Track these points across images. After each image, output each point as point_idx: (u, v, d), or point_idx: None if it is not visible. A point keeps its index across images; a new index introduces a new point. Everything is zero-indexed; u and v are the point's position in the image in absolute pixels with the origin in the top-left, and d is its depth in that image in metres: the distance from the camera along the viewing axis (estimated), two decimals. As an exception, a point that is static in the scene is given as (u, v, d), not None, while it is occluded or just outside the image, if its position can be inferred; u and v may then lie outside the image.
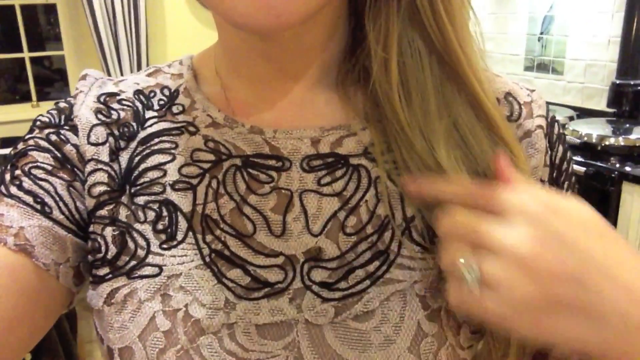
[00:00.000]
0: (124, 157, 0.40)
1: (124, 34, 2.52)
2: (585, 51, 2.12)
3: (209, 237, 0.37)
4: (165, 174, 0.39)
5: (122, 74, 2.54)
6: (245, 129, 0.39)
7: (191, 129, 0.40)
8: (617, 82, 1.93)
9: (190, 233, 0.37)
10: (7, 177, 0.39)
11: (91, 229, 0.39)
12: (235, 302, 0.36)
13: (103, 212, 0.38)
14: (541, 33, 2.33)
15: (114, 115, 0.41)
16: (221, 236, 0.37)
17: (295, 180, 0.38)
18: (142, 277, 0.37)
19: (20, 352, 0.37)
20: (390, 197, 0.37)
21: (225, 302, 0.36)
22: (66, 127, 0.41)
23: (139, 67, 2.59)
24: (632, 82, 1.90)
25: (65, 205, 0.38)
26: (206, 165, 0.39)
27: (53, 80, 2.94)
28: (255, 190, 0.38)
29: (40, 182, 0.38)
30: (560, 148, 0.42)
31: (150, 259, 0.37)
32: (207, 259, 0.37)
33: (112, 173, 0.39)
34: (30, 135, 0.40)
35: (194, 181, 0.38)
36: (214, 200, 0.38)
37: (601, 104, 2.06)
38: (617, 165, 1.54)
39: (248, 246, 0.37)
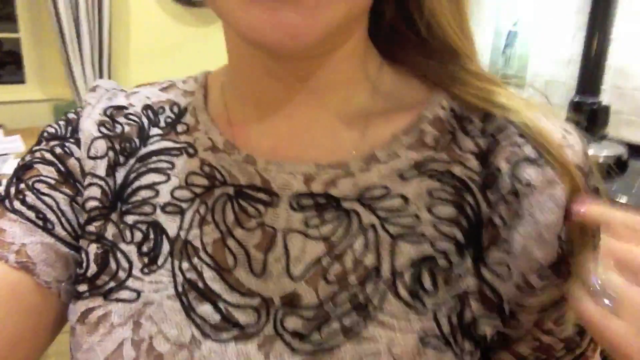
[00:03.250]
0: (120, 173, 0.39)
1: (86, 20, 2.44)
2: (547, 68, 2.19)
3: (185, 265, 0.35)
4: (157, 195, 0.38)
5: (82, 61, 2.46)
6: (241, 157, 0.37)
7: (190, 150, 0.39)
8: (576, 99, 1.99)
9: (170, 259, 0.36)
10: (12, 190, 0.38)
11: (80, 243, 0.38)
12: (201, 341, 0.33)
13: (91, 227, 0.37)
14: (505, 47, 2.39)
15: (118, 129, 0.41)
16: (198, 265, 0.35)
17: (281, 218, 0.35)
18: (118, 300, 0.35)
19: None
20: (381, 247, 0.34)
21: (191, 339, 0.33)
22: (71, 140, 0.40)
23: (101, 55, 2.52)
24: (590, 101, 1.97)
25: (68, 221, 0.38)
26: (199, 190, 0.37)
27: (4, 63, 2.81)
28: (242, 224, 0.36)
29: (43, 197, 0.37)
30: None
31: (130, 282, 0.36)
32: (180, 289, 0.35)
33: (106, 188, 0.38)
34: (37, 147, 0.40)
35: (185, 205, 0.37)
36: (198, 227, 0.36)
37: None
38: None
39: (224, 281, 0.35)
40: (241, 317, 0.34)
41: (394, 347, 0.32)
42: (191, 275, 0.35)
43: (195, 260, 0.35)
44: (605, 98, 2.00)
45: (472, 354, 0.34)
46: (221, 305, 0.34)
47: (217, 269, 0.35)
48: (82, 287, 0.36)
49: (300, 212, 0.35)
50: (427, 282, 0.34)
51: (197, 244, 0.36)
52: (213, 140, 0.39)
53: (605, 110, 1.97)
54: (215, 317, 0.34)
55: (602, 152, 1.76)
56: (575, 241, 0.34)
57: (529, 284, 0.35)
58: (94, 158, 0.39)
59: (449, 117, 0.37)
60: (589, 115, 1.95)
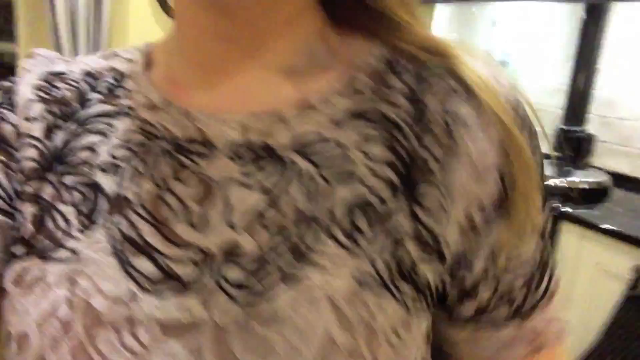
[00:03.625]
0: (58, 136, 0.39)
1: (85, 36, 2.47)
2: (534, 96, 2.23)
3: (121, 220, 0.35)
4: (96, 155, 0.38)
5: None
6: (177, 112, 0.37)
7: (130, 112, 0.39)
8: (563, 128, 2.03)
9: (108, 216, 0.35)
10: None
11: (17, 205, 0.37)
12: (139, 295, 0.33)
13: (27, 187, 0.37)
14: (495, 76, 2.44)
15: (55, 93, 0.41)
16: (134, 219, 0.35)
17: (219, 169, 0.35)
18: (55, 260, 0.35)
19: None
20: (317, 192, 0.34)
21: (129, 294, 0.33)
22: (6, 106, 0.40)
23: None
24: (575, 130, 2.00)
25: (2, 188, 0.37)
26: (136, 148, 0.37)
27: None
28: (179, 176, 0.35)
29: None
30: None
31: (68, 242, 0.35)
32: (116, 244, 0.34)
33: (43, 150, 0.38)
34: None
35: (123, 164, 0.37)
36: (135, 181, 0.36)
37: (546, 149, 2.15)
38: (558, 205, 1.62)
39: (161, 234, 0.34)
40: (180, 269, 0.33)
41: (330, 289, 0.32)
42: (127, 230, 0.35)
43: (131, 214, 0.35)
44: (591, 127, 2.04)
45: (415, 300, 0.34)
46: (158, 258, 0.34)
47: (154, 223, 0.35)
48: (18, 249, 0.36)
49: (237, 162, 0.35)
50: (360, 222, 0.34)
51: (133, 197, 0.35)
52: (151, 99, 0.39)
53: (590, 139, 2.01)
54: (153, 271, 0.33)
55: (586, 179, 1.79)
56: (519, 172, 0.35)
57: (472, 222, 0.35)
58: (30, 120, 0.39)
59: (380, 65, 0.38)
60: (575, 144, 1.99)
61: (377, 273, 0.33)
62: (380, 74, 0.37)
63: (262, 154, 0.35)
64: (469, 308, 0.39)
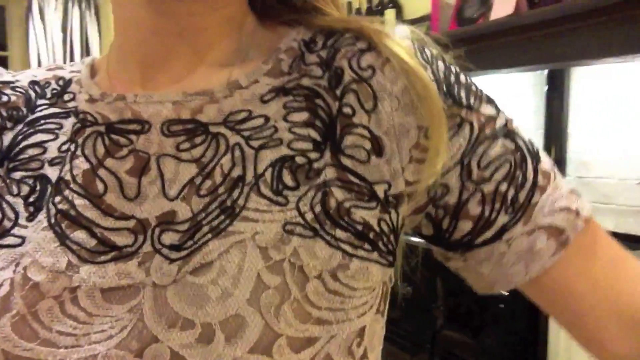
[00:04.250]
0: (7, 136, 0.41)
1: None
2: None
3: (58, 198, 0.37)
4: (45, 151, 0.40)
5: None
6: (112, 98, 0.40)
7: (88, 117, 0.41)
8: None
9: (49, 199, 0.37)
10: None
11: None
12: (78, 265, 0.34)
13: None
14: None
15: (4, 99, 0.43)
16: (69, 196, 0.37)
17: (154, 144, 0.37)
18: (2, 246, 0.36)
19: None
20: (246, 159, 0.37)
21: (68, 265, 0.34)
22: None
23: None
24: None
25: None
26: (75, 137, 0.39)
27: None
28: (113, 154, 0.38)
29: None
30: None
31: (16, 230, 0.37)
32: (52, 220, 0.36)
33: None
34: None
35: (64, 154, 0.39)
36: (69, 162, 0.38)
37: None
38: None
39: (97, 207, 0.36)
40: (117, 239, 0.35)
41: (257, 235, 0.34)
42: (63, 205, 0.36)
43: (67, 192, 0.37)
44: (570, 188, 2.10)
45: (353, 245, 0.36)
46: (96, 230, 0.35)
47: (88, 197, 0.36)
48: None
49: (171, 137, 0.37)
50: (287, 178, 0.36)
51: (68, 177, 0.38)
52: (91, 94, 0.41)
53: (572, 199, 2.06)
54: (91, 242, 0.35)
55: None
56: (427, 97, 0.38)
57: (421, 148, 0.38)
58: None
59: (300, 45, 0.42)
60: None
61: (307, 222, 0.35)
62: (301, 53, 0.41)
63: (194, 130, 0.38)
64: (464, 228, 0.40)
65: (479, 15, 2.01)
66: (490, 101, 0.41)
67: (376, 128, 0.38)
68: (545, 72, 2.12)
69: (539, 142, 2.16)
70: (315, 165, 0.37)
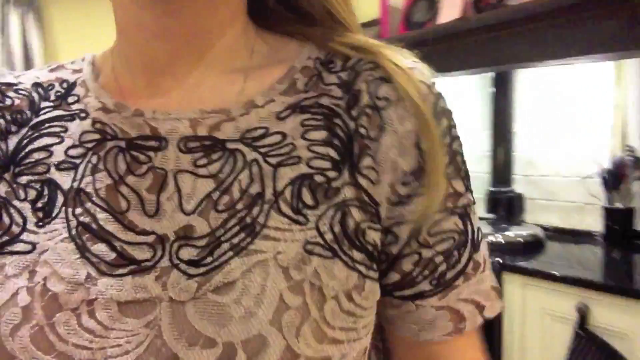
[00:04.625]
0: (12, 140, 0.41)
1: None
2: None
3: (78, 210, 0.37)
4: (51, 155, 0.39)
5: None
6: (130, 112, 0.40)
7: (82, 114, 0.41)
8: (492, 190, 2.15)
9: (64, 208, 0.37)
10: None
11: None
12: (97, 278, 0.34)
13: None
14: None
15: (8, 102, 0.43)
16: (91, 209, 0.37)
17: (171, 160, 0.37)
18: (12, 253, 0.36)
19: None
20: (264, 176, 0.37)
21: (87, 277, 0.34)
22: None
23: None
24: (504, 190, 2.13)
25: None
26: (91, 145, 0.39)
27: None
28: (134, 171, 0.38)
29: None
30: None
31: (25, 236, 0.36)
32: (73, 232, 0.36)
33: (0, 152, 0.40)
34: None
35: (78, 160, 0.39)
36: (91, 174, 0.38)
37: (481, 211, 2.25)
38: (498, 259, 1.68)
39: (119, 222, 0.36)
40: (137, 253, 0.35)
41: (279, 255, 0.34)
42: (84, 218, 0.36)
43: (89, 204, 0.37)
44: (518, 187, 2.17)
45: (367, 266, 0.37)
46: (116, 243, 0.35)
47: (111, 212, 0.36)
48: None
49: (188, 154, 0.38)
50: (307, 197, 0.36)
51: (90, 189, 0.37)
52: (104, 102, 0.41)
53: (520, 197, 2.13)
54: (111, 255, 0.35)
55: (521, 233, 1.88)
56: (431, 150, 0.39)
57: (397, 194, 0.39)
58: None
59: (316, 64, 0.42)
60: (506, 204, 2.10)
61: (326, 242, 0.36)
62: (318, 72, 0.41)
63: (211, 146, 0.38)
64: (392, 278, 0.40)
65: (427, 19, 2.04)
66: (465, 178, 0.42)
67: (379, 156, 0.39)
68: (491, 74, 2.18)
69: (486, 143, 2.22)
70: (334, 184, 0.37)
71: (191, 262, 0.34)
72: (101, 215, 0.36)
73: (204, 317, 0.32)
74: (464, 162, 0.42)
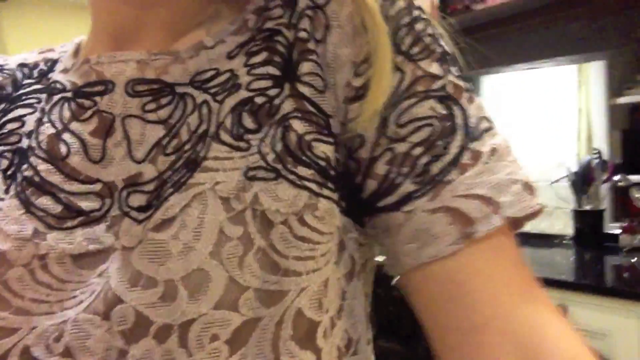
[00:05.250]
0: None
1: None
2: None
3: (24, 166, 0.36)
4: (23, 125, 0.39)
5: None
6: (79, 63, 0.39)
7: (57, 86, 0.40)
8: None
9: (18, 168, 0.37)
10: None
11: None
12: (45, 232, 0.34)
13: None
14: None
15: None
16: (34, 162, 0.36)
17: (118, 104, 0.36)
18: None
19: None
20: (211, 115, 0.35)
21: (34, 233, 0.34)
22: None
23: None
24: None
25: None
26: (43, 105, 0.39)
27: None
28: (78, 117, 0.37)
29: None
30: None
31: None
32: (18, 188, 0.36)
33: None
34: None
35: (35, 123, 0.39)
36: (37, 131, 0.37)
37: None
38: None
39: (60, 171, 0.35)
40: (84, 203, 0.34)
41: (218, 185, 0.33)
42: (28, 172, 0.36)
43: (32, 158, 0.36)
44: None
45: (318, 183, 0.33)
46: (61, 195, 0.34)
47: (51, 161, 0.36)
48: None
49: (136, 98, 0.36)
50: (247, 121, 0.34)
51: (34, 144, 0.37)
52: (66, 66, 0.41)
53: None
54: (57, 208, 0.34)
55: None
56: (373, 29, 0.35)
57: (353, 88, 0.35)
58: None
59: (267, 2, 0.39)
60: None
61: (268, 164, 0.33)
62: (265, 4, 0.39)
63: (159, 90, 0.36)
64: (369, 187, 0.35)
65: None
66: (442, 60, 0.36)
67: (322, 59, 0.36)
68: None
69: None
70: (276, 101, 0.35)
71: (141, 208, 0.33)
72: (43, 167, 0.36)
73: (145, 257, 0.32)
74: (439, 45, 0.36)
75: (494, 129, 0.36)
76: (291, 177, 0.33)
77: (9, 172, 0.37)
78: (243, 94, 0.35)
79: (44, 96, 0.40)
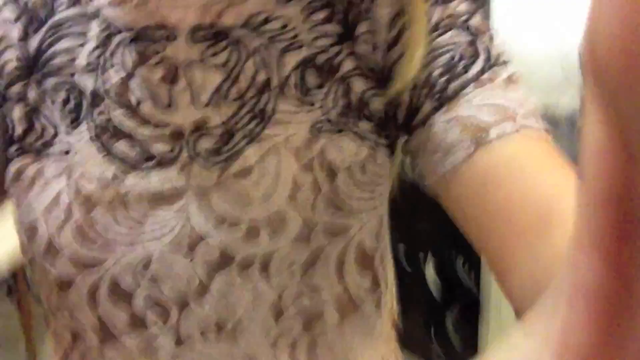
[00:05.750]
0: (32, 43, 0.40)
1: None
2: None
3: (97, 111, 0.38)
4: (75, 58, 0.39)
5: None
6: (134, 3, 0.39)
7: (97, 13, 0.40)
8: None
9: (88, 112, 0.38)
10: None
11: (3, 108, 0.40)
12: (124, 174, 0.37)
13: (12, 90, 0.39)
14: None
15: (22, 2, 0.41)
16: (106, 108, 0.38)
17: (181, 52, 0.38)
18: (50, 155, 0.38)
19: None
20: (269, 63, 0.38)
21: (114, 175, 0.37)
22: None
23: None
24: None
25: None
26: (103, 46, 0.39)
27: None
28: (143, 62, 0.38)
29: None
30: None
31: (58, 139, 0.38)
32: (94, 133, 0.38)
33: (23, 53, 0.40)
34: None
35: (97, 61, 0.39)
36: (103, 73, 0.39)
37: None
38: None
39: (134, 118, 0.38)
40: (157, 146, 0.37)
41: (289, 138, 0.37)
42: (102, 117, 0.38)
43: (104, 103, 0.38)
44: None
45: (377, 135, 0.39)
46: (136, 139, 0.37)
47: (124, 108, 0.38)
48: (13, 148, 0.39)
49: (196, 45, 0.38)
50: (312, 78, 0.38)
51: (101, 87, 0.38)
52: None
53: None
54: (133, 151, 0.37)
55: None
56: None
57: (392, 38, 0.38)
58: (5, 23, 0.40)
59: None
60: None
61: (333, 119, 0.38)
62: None
63: (217, 36, 0.38)
64: (400, 115, 0.39)
65: None
66: (472, 1, 0.39)
67: (373, 19, 0.39)
68: None
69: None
70: (337, 59, 0.38)
71: (210, 152, 0.37)
72: (116, 112, 0.38)
73: (226, 201, 0.37)
74: None
75: (512, 65, 0.38)
76: (354, 130, 0.38)
77: (68, 108, 0.38)
78: (306, 51, 0.38)
79: (89, 26, 0.39)
